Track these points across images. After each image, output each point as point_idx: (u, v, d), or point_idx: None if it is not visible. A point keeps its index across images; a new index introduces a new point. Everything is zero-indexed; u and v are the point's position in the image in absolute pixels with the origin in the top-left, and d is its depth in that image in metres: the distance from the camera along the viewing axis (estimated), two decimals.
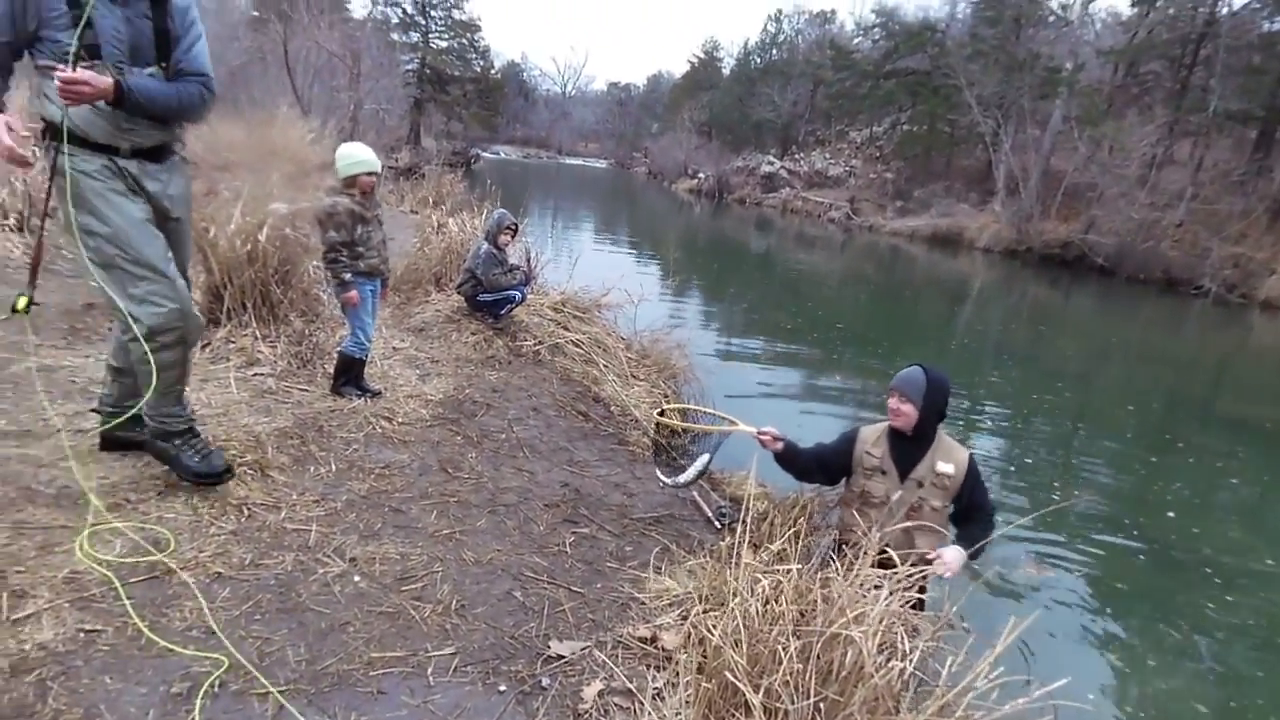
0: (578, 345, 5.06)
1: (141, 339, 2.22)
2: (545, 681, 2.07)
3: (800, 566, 2.26)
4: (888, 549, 2.67)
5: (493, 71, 38.33)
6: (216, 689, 1.80)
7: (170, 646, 1.89)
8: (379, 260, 3.70)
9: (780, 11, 44.37)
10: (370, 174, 3.54)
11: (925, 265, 20.76)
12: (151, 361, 2.23)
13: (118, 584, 2.05)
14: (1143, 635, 3.50)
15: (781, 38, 42.95)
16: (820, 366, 8.16)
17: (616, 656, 2.24)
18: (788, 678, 1.69)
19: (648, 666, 2.23)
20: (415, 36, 32.65)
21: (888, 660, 1.69)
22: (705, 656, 1.91)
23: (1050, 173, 21.53)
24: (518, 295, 4.91)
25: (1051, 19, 23.97)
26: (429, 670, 2.01)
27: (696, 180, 36.17)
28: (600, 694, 2.08)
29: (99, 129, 2.16)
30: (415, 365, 4.41)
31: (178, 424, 2.46)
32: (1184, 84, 21.78)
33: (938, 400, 2.79)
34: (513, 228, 4.89)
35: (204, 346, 3.77)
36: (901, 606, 1.89)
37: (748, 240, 23.33)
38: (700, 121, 43.47)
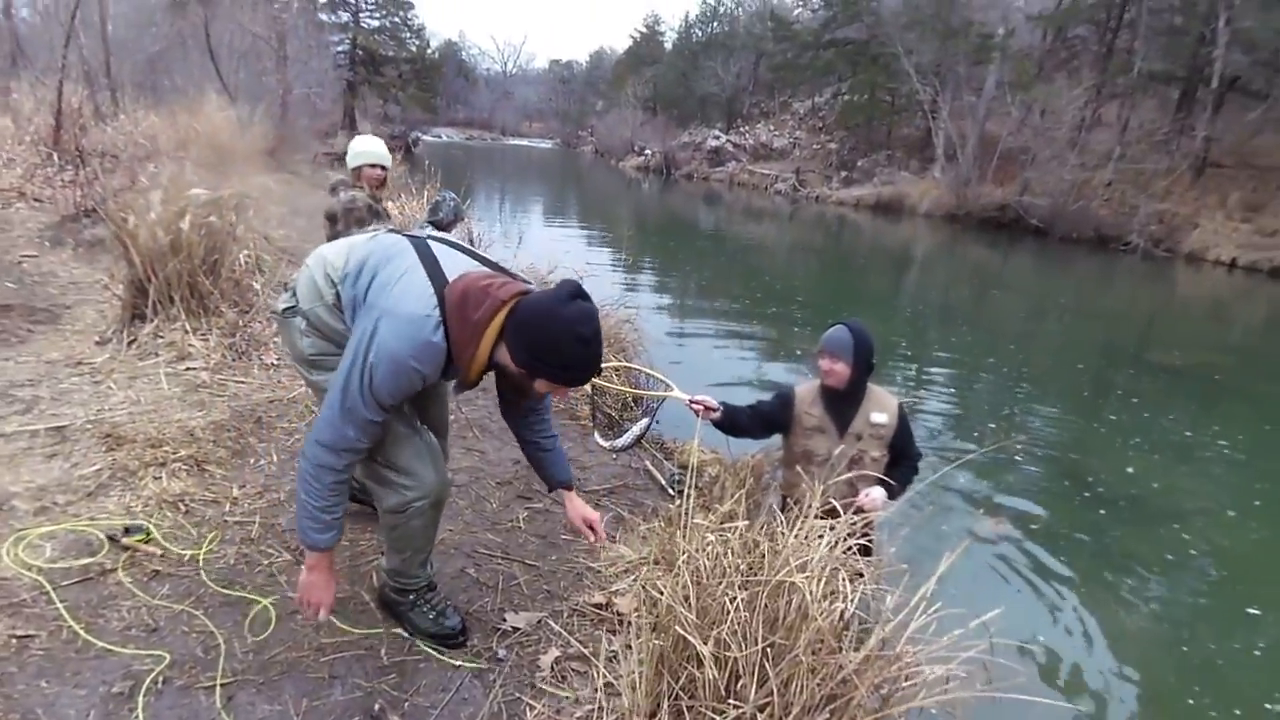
0: None
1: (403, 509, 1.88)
2: (501, 654, 2.08)
3: (747, 523, 2.32)
4: (833, 501, 2.79)
5: (429, 51, 37.27)
6: (160, 685, 1.76)
7: (109, 647, 1.84)
8: None
9: None
10: (375, 166, 3.52)
11: (871, 233, 21.15)
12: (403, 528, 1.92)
13: (49, 588, 1.98)
14: (1081, 571, 3.69)
15: (722, 9, 42.83)
16: (773, 336, 8.29)
17: (572, 624, 2.27)
18: (735, 627, 1.73)
19: (603, 631, 2.27)
20: (345, 16, 31.41)
21: (830, 603, 1.75)
22: (657, 615, 1.95)
23: (986, 138, 22.08)
24: None
25: None
26: (382, 651, 2.00)
27: (644, 157, 35.99)
28: (556, 661, 2.11)
29: None
30: None
31: (417, 584, 2.09)
32: (1110, 47, 22.52)
33: (865, 355, 2.85)
34: (461, 219, 4.79)
35: (130, 343, 3.62)
36: (846, 553, 1.95)
37: (697, 215, 23.37)
38: (645, 97, 43.15)
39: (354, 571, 2.33)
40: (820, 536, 1.96)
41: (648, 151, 35.93)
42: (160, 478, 2.54)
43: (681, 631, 1.77)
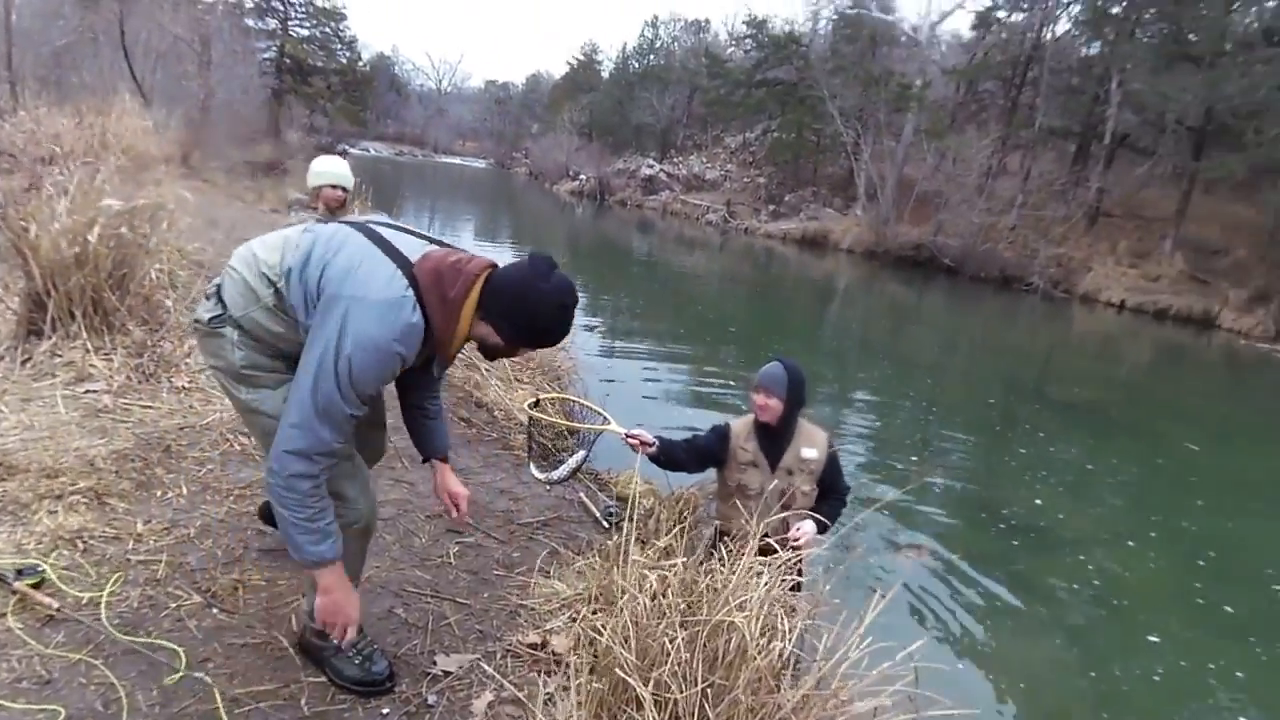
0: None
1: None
2: (431, 700, 2.00)
3: (685, 560, 2.33)
4: (768, 537, 2.84)
5: (360, 64, 36.40)
6: None
7: None
8: None
9: (656, 18, 45.14)
10: (335, 187, 3.42)
11: (796, 266, 21.93)
12: None
13: None
14: (997, 601, 3.88)
15: (659, 43, 43.89)
16: (702, 363, 8.43)
17: (506, 666, 2.21)
18: (675, 668, 1.73)
19: (539, 673, 2.21)
20: (273, 23, 30.41)
21: (768, 641, 1.77)
22: (596, 657, 1.92)
23: (904, 181, 23.37)
24: None
25: (903, 39, 26.06)
26: (302, 700, 1.89)
27: (578, 182, 36.17)
28: (490, 705, 2.04)
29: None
30: None
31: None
32: (1014, 102, 24.37)
33: (798, 391, 2.94)
34: None
35: (24, 362, 3.34)
36: (781, 590, 1.98)
37: (631, 242, 23.63)
38: (581, 123, 43.51)
39: (270, 615, 2.19)
40: (759, 574, 1.99)
41: (582, 176, 36.15)
42: (56, 512, 2.33)
43: (621, 674, 1.75)
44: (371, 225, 1.69)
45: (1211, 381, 13.03)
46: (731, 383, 7.55)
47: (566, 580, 2.75)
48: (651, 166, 33.53)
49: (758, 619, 1.83)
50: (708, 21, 45.97)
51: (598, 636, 1.88)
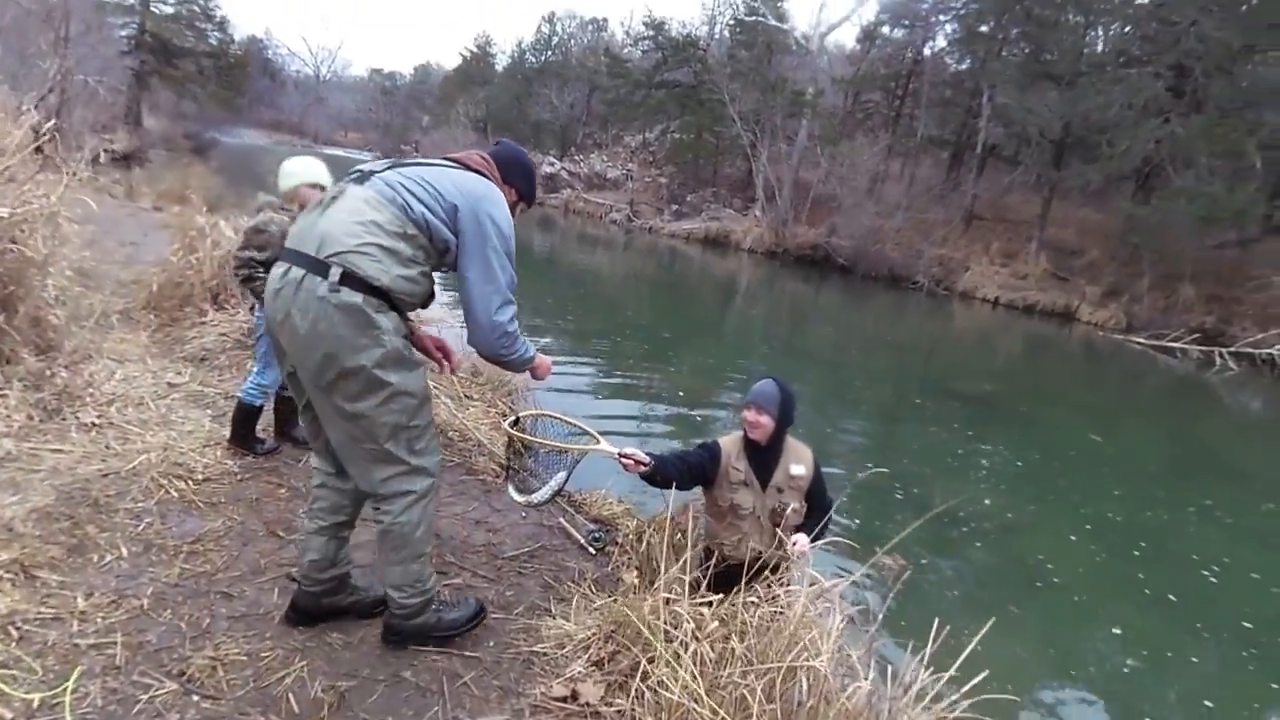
0: None
1: (427, 497, 2.06)
2: None
3: (721, 596, 2.24)
4: (761, 554, 2.81)
5: (233, 46, 33.39)
6: None
7: None
8: None
9: (554, 14, 44.46)
10: (315, 186, 3.13)
11: (700, 265, 22.33)
12: (424, 524, 2.05)
13: None
14: (975, 603, 4.06)
15: (555, 40, 43.30)
16: (613, 363, 8.45)
17: None
18: (760, 716, 1.64)
19: None
20: None
21: (847, 682, 1.72)
22: (656, 712, 1.79)
23: (800, 183, 24.33)
24: None
25: (795, 48, 27.09)
26: None
27: None
28: None
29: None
30: (205, 404, 3.65)
31: (432, 583, 2.19)
32: (898, 112, 25.98)
33: (789, 410, 2.94)
34: None
35: None
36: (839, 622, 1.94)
37: (533, 239, 23.17)
38: (477, 118, 42.22)
39: (263, 696, 1.91)
40: (819, 614, 1.93)
41: None
42: None
43: None
44: (404, 162, 2.03)
45: (1081, 370, 14.44)
46: (640, 376, 7.66)
47: (575, 619, 2.59)
48: (552, 164, 33.05)
49: (831, 659, 1.77)
50: (605, 20, 45.89)
51: (664, 693, 1.75)
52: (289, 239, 1.91)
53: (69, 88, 10.18)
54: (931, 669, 1.85)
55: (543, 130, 38.29)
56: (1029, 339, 16.76)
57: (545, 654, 2.38)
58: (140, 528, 2.49)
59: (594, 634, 2.47)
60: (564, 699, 2.16)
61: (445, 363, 2.39)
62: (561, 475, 3.12)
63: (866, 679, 1.74)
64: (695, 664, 1.79)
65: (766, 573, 2.77)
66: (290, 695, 1.92)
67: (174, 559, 2.39)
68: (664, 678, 1.81)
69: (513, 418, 3.19)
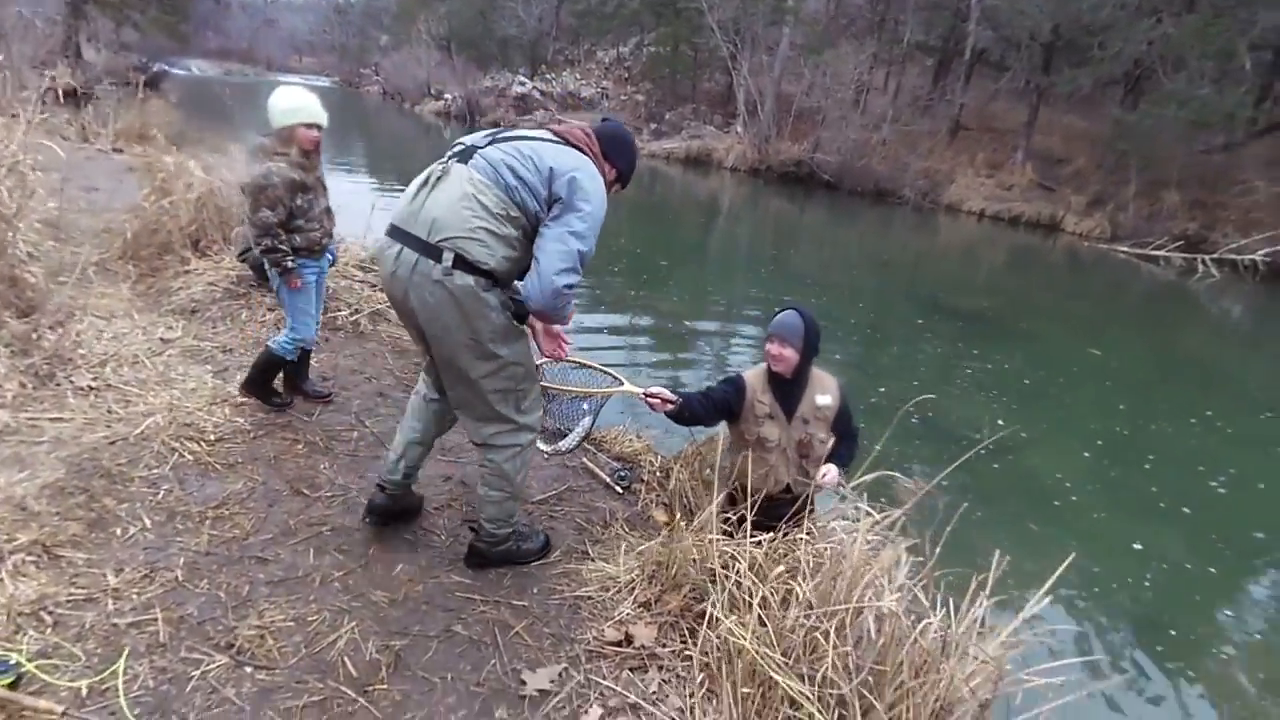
0: None
1: (529, 448, 2.32)
2: None
3: (771, 535, 2.22)
4: (791, 486, 2.80)
5: None
6: None
7: None
8: (321, 233, 3.03)
9: None
10: (311, 125, 2.86)
11: (681, 185, 21.78)
12: (524, 470, 2.29)
13: None
14: (1001, 527, 4.14)
15: None
16: (618, 295, 8.34)
17: (599, 670, 2.02)
18: (835, 660, 1.63)
19: (632, 670, 2.05)
20: None
21: (917, 620, 1.70)
22: (728, 658, 1.78)
23: (783, 97, 23.48)
24: (326, 259, 4.06)
25: None
26: None
27: (443, 102, 33.51)
28: (602, 719, 1.87)
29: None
30: (203, 359, 3.49)
31: (518, 516, 2.44)
32: (882, 17, 24.87)
33: (813, 340, 2.87)
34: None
35: None
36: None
37: None
38: (439, 36, 39.85)
39: (319, 662, 1.86)
40: (872, 549, 1.90)
41: (448, 96, 33.50)
42: (0, 581, 1.82)
43: (779, 678, 1.63)
44: (503, 135, 2.05)
45: (1068, 282, 14.45)
46: (647, 309, 7.57)
47: (615, 560, 2.57)
48: (523, 84, 31.55)
49: (900, 599, 1.76)
50: None
51: (735, 639, 1.73)
52: (396, 216, 2.00)
53: (4, 21, 9.29)
54: (987, 598, 1.84)
55: (510, 47, 36.36)
56: (1015, 252, 16.72)
57: (590, 598, 2.36)
58: (159, 495, 2.40)
59: (636, 575, 2.46)
60: (618, 643, 2.16)
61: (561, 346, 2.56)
62: (587, 420, 3.06)
63: (935, 615, 1.73)
64: (761, 608, 1.77)
65: (796, 506, 2.79)
66: (345, 659, 1.88)
67: (200, 526, 2.31)
68: (727, 622, 1.78)
69: (537, 364, 3.09)
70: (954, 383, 6.52)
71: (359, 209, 5.26)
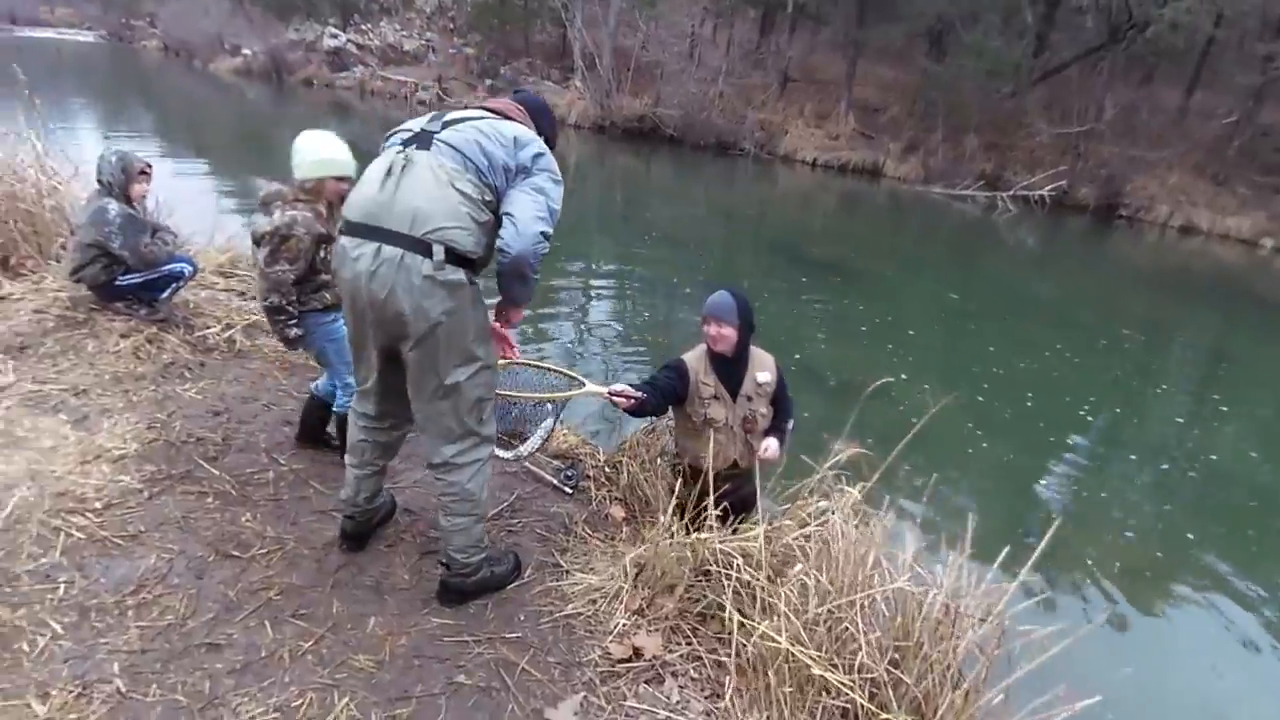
0: None
1: (489, 461, 2.22)
2: None
3: (766, 528, 2.28)
4: (738, 462, 2.91)
5: None
6: None
7: None
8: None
9: None
10: (343, 179, 2.51)
11: None
12: (486, 487, 2.19)
13: None
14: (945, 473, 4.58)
15: None
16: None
17: (618, 690, 2.01)
18: (866, 647, 1.73)
19: (648, 683, 2.06)
20: None
21: (927, 593, 1.84)
22: (759, 660, 1.83)
23: (620, 50, 23.27)
24: (188, 269, 3.50)
25: None
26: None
27: (242, 58, 29.70)
28: None
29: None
30: (52, 407, 2.91)
31: (487, 540, 2.30)
32: None
33: (748, 317, 2.96)
34: (146, 171, 3.39)
35: None
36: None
37: (329, 129, 20.42)
38: None
39: None
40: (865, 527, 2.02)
41: (246, 51, 29.71)
42: None
43: (822, 673, 1.70)
44: (452, 118, 1.97)
45: (894, 222, 15.91)
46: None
47: (591, 569, 2.54)
48: (335, 36, 28.64)
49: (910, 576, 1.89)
50: None
51: (770, 642, 1.78)
52: (359, 211, 1.86)
53: None
54: (965, 558, 2.03)
55: None
56: (845, 197, 18.04)
57: (580, 613, 2.33)
58: (60, 591, 2.00)
59: (620, 582, 2.45)
60: (628, 659, 2.14)
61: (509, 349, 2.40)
62: (548, 423, 2.98)
63: (940, 586, 1.88)
64: (783, 605, 1.83)
65: (741, 480, 2.90)
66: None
67: (123, 619, 1.97)
68: (762, 626, 1.83)
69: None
70: (841, 337, 6.98)
71: (197, 202, 4.58)
